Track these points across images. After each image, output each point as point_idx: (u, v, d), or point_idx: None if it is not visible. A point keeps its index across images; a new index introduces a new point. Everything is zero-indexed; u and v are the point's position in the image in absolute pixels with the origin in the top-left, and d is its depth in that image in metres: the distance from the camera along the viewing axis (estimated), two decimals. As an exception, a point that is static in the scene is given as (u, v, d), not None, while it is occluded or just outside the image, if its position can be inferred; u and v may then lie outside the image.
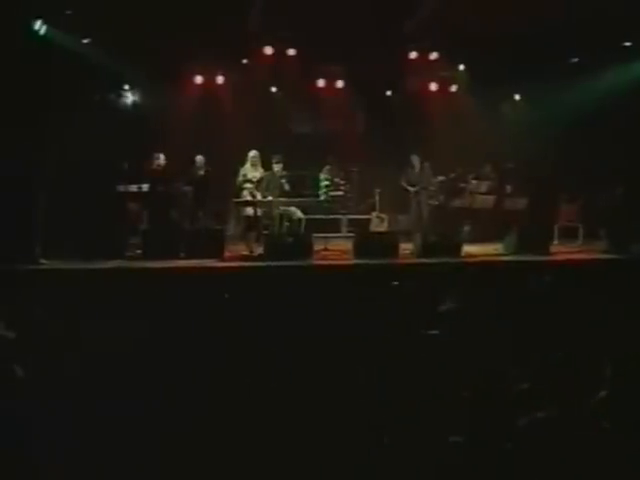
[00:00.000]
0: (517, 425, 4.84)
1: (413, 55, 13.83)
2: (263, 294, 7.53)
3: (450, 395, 5.64)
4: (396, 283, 7.35)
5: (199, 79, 13.83)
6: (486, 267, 9.44)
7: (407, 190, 12.62)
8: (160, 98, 13.33)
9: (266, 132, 13.34)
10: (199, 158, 11.45)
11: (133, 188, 10.89)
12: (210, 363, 5.31)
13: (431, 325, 7.26)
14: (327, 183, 12.71)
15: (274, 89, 14.69)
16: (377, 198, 13.31)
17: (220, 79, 13.96)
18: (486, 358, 6.56)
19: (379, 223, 13.02)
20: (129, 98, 13.49)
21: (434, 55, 13.72)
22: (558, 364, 5.88)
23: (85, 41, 12.31)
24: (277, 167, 10.70)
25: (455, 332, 7.13)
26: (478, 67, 13.70)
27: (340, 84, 14.64)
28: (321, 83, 14.57)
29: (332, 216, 12.90)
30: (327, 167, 12.84)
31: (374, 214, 13.22)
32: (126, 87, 13.49)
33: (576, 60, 13.69)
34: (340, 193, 13.51)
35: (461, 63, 14.36)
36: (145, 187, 10.82)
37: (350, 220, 13.18)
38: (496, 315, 7.42)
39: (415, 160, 12.53)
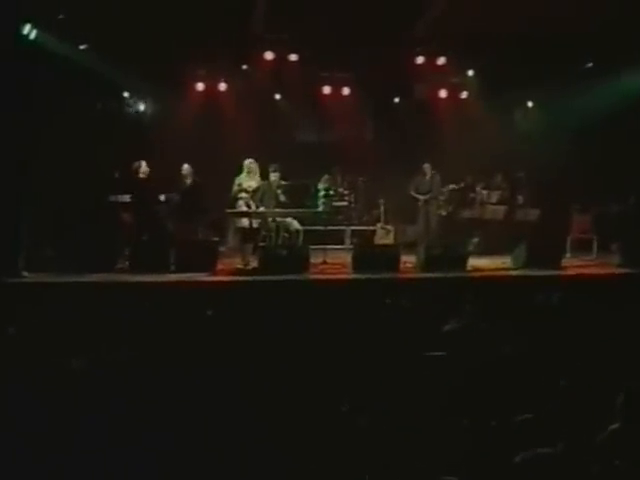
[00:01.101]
0: (515, 462, 4.38)
1: (421, 60, 13.29)
2: (250, 312, 7.12)
3: (447, 424, 5.22)
4: (389, 301, 6.86)
5: (199, 85, 13.37)
6: (492, 282, 8.91)
7: (416, 199, 12.30)
8: (157, 105, 12.97)
9: (268, 140, 13.01)
10: (186, 167, 10.90)
11: (125, 198, 10.39)
12: (190, 384, 5.21)
13: (431, 346, 6.81)
14: (325, 193, 12.15)
15: (278, 96, 14.23)
16: (382, 208, 12.85)
17: (221, 85, 13.51)
18: (487, 383, 6.09)
19: (384, 235, 12.53)
20: (124, 105, 13.02)
21: (442, 60, 13.21)
22: (565, 391, 5.37)
23: (82, 47, 11.86)
24: (274, 176, 10.26)
25: (456, 354, 6.68)
26: (489, 73, 13.29)
27: (346, 91, 14.18)
28: (327, 90, 14.09)
29: (334, 227, 12.36)
30: (325, 177, 12.32)
31: (379, 225, 12.71)
32: (121, 94, 13.05)
33: (590, 65, 13.16)
34: (344, 203, 13.07)
35: (471, 68, 13.87)
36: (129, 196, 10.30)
37: (354, 232, 12.70)
38: (501, 336, 6.93)
39: (427, 168, 12.24)
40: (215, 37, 11.84)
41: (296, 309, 7.27)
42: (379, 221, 12.86)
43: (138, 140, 12.19)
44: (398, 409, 5.20)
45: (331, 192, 12.81)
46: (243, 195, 10.03)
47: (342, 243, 12.42)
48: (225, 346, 6.34)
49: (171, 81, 12.75)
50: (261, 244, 10.06)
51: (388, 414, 5.10)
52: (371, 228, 12.85)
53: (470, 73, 14.00)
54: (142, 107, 13.42)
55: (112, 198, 10.45)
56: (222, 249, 11.70)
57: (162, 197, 10.78)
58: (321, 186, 12.19)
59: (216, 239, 11.58)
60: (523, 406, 5.32)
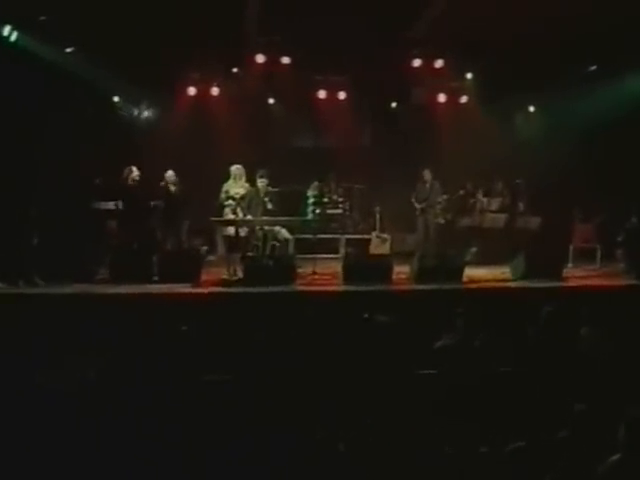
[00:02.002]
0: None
1: (419, 63, 12.94)
2: (229, 327, 6.73)
3: (432, 449, 4.83)
4: (378, 315, 6.45)
5: (189, 89, 12.99)
6: (488, 295, 8.44)
7: (415, 207, 11.87)
8: (147, 109, 12.55)
9: (261, 145, 12.69)
10: (169, 173, 10.51)
11: (110, 205, 9.98)
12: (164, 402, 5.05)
13: (421, 364, 6.40)
14: (314, 200, 11.69)
15: (271, 100, 13.84)
16: (378, 216, 12.41)
17: (212, 89, 13.10)
18: (480, 404, 5.71)
19: (380, 244, 12.08)
20: (110, 109, 12.60)
21: (441, 63, 12.87)
22: (562, 418, 4.95)
23: (68, 50, 11.57)
24: (261, 183, 9.83)
25: (448, 372, 6.28)
26: (489, 76, 12.93)
27: (342, 95, 13.80)
28: (321, 94, 13.69)
29: (326, 236, 11.96)
30: (315, 183, 11.84)
31: (374, 234, 12.27)
32: (107, 98, 12.63)
33: (593, 68, 12.79)
34: (338, 211, 12.69)
35: (470, 72, 13.54)
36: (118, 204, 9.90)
37: (349, 240, 12.24)
38: (496, 353, 6.50)
39: (427, 175, 11.86)
40: (206, 40, 11.46)
41: (279, 323, 6.89)
42: (375, 229, 12.39)
43: (125, 145, 11.76)
44: (383, 430, 4.98)
45: (324, 199, 12.47)
46: (230, 202, 9.61)
47: (337, 252, 12.01)
48: (202, 362, 6.00)
49: (160, 85, 12.36)
50: (249, 254, 9.62)
51: (372, 436, 4.91)
52: (366, 237, 12.39)
53: (469, 77, 13.65)
54: (131, 111, 12.98)
55: (96, 205, 10.01)
56: (212, 258, 11.36)
57: (152, 204, 10.40)
58: (310, 193, 11.71)
59: (205, 247, 11.30)
60: (517, 431, 4.97)
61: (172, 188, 10.39)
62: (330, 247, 11.88)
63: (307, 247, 10.41)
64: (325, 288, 8.74)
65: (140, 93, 12.76)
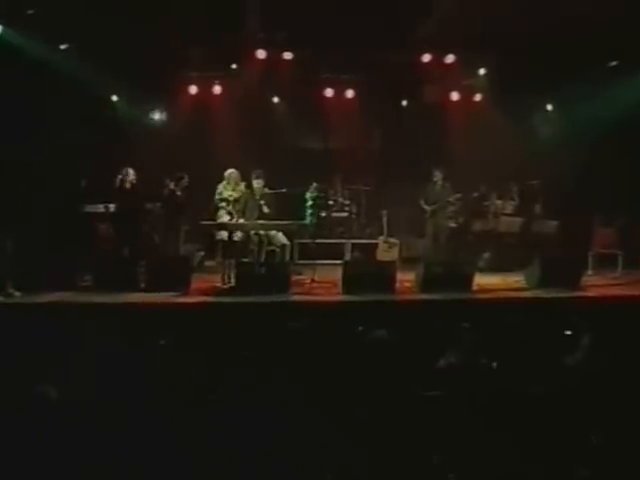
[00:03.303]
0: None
1: (430, 60, 12.34)
2: (215, 340, 6.15)
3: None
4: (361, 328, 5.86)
5: (189, 88, 12.56)
6: (500, 305, 7.77)
7: (424, 210, 11.25)
8: (141, 109, 12.01)
9: (262, 146, 12.16)
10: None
11: (99, 208, 9.44)
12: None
13: (422, 384, 5.79)
14: (313, 203, 11.06)
15: (275, 99, 13.29)
16: (384, 220, 11.77)
17: (213, 88, 12.67)
18: (487, 432, 5.11)
19: (387, 249, 11.45)
20: (103, 109, 12.04)
21: (452, 58, 12.21)
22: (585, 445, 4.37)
23: (63, 47, 11.14)
24: (257, 184, 9.25)
25: (452, 394, 5.65)
26: (503, 73, 12.27)
27: (349, 93, 13.29)
28: (327, 92, 13.19)
29: (331, 240, 11.43)
30: (314, 185, 11.21)
31: (381, 238, 11.65)
32: (104, 96, 12.10)
33: (615, 64, 12.12)
34: (344, 214, 12.10)
35: (484, 69, 12.94)
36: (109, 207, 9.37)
37: (354, 245, 11.62)
38: (506, 374, 5.85)
39: (437, 175, 11.20)
40: (207, 37, 11.07)
41: (266, 337, 6.29)
42: (382, 234, 11.77)
43: (120, 146, 11.22)
44: (380, 457, 4.55)
45: (330, 202, 11.91)
46: (224, 205, 9.04)
47: (342, 258, 11.41)
48: (183, 376, 5.42)
49: (158, 83, 11.79)
50: (244, 260, 9.03)
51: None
52: (373, 241, 11.76)
53: (483, 74, 13.05)
54: (128, 111, 12.44)
55: (84, 208, 9.48)
56: (212, 264, 10.82)
57: (148, 207, 9.89)
58: (309, 195, 11.08)
59: (202, 252, 10.74)
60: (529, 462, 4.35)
61: (178, 192, 9.89)
62: (335, 252, 11.32)
63: (309, 252, 9.86)
64: (320, 298, 8.07)
65: (137, 91, 12.16)
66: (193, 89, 12.59)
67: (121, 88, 12.18)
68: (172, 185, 9.81)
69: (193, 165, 10.87)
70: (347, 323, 6.63)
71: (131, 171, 9.68)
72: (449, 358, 6.00)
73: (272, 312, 7.17)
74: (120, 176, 9.54)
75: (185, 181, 10.01)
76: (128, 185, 9.67)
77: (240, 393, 5.33)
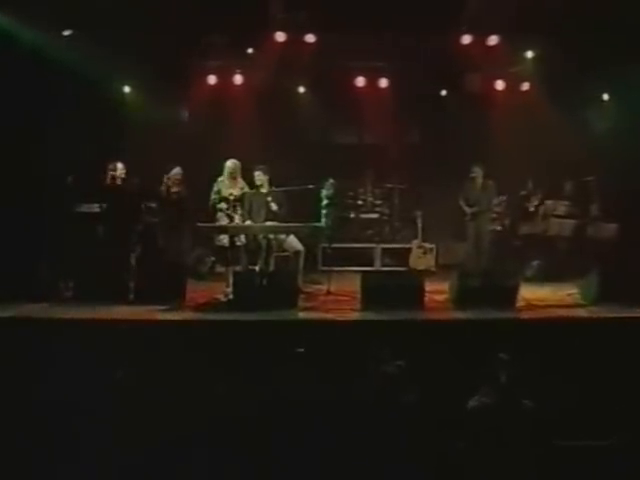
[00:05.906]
0: None
1: (471, 42, 11.16)
2: (206, 362, 5.17)
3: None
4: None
5: (207, 78, 11.65)
6: (549, 327, 6.43)
7: (464, 211, 10.33)
8: (154, 100, 11.12)
9: (282, 140, 11.30)
10: (175, 171, 9.21)
11: (88, 208, 8.44)
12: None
13: (446, 430, 4.65)
14: (328, 202, 9.95)
15: (301, 89, 12.25)
16: (419, 222, 10.78)
17: (232, 77, 11.67)
18: None
19: (421, 254, 10.33)
20: (101, 98, 11.06)
21: (495, 40, 11.12)
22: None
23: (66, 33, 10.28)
24: (259, 180, 8.17)
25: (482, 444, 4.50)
26: (555, 60, 11.20)
27: (382, 82, 12.22)
28: (358, 82, 12.14)
29: (360, 245, 10.66)
30: (330, 181, 10.10)
31: (415, 242, 10.52)
32: (99, 85, 11.13)
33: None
34: (374, 215, 11.18)
35: (533, 55, 11.72)
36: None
37: (384, 250, 10.67)
38: (552, 420, 4.61)
39: (477, 172, 10.27)
40: (224, 22, 10.33)
41: (265, 361, 5.27)
42: (416, 238, 10.70)
43: (118, 138, 10.32)
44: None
45: (359, 202, 11.07)
46: (222, 205, 7.95)
47: (371, 264, 10.58)
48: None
49: (173, 72, 11.00)
50: (252, 267, 7.92)
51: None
52: (406, 246, 10.62)
53: (532, 60, 11.84)
54: (135, 100, 11.50)
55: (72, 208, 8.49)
56: (222, 270, 9.78)
57: (144, 206, 8.86)
58: (324, 193, 9.94)
59: (212, 258, 9.78)
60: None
61: (174, 189, 8.94)
62: (364, 258, 10.37)
63: (326, 258, 8.81)
64: (330, 316, 6.79)
65: (149, 82, 11.26)
66: (211, 79, 11.70)
67: (131, 77, 11.31)
68: (165, 179, 8.80)
69: (208, 163, 9.90)
70: (356, 349, 5.46)
71: (120, 165, 8.84)
72: (482, 398, 4.77)
73: (267, 334, 5.99)
74: (110, 172, 8.56)
75: (176, 173, 9.08)
76: (119, 181, 8.81)
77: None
